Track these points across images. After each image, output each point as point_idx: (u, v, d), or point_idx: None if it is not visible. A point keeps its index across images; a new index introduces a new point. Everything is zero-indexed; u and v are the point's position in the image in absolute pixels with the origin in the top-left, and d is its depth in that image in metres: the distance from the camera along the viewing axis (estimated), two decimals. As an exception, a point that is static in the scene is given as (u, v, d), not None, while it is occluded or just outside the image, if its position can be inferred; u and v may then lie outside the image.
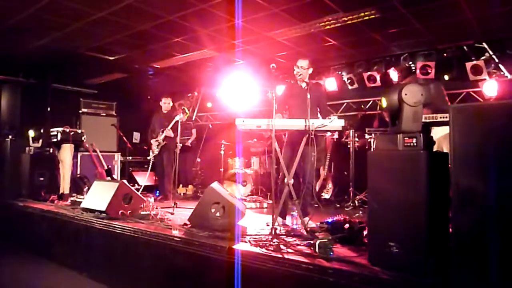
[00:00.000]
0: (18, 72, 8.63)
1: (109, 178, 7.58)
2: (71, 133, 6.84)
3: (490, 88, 6.30)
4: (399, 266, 2.52)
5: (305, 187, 4.24)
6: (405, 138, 2.68)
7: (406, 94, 2.73)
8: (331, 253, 2.93)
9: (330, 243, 3.00)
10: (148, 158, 7.14)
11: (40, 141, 7.12)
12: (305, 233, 3.70)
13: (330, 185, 7.18)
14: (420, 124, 2.76)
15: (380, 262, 2.62)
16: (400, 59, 7.32)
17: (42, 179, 6.74)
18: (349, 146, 7.02)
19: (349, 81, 7.96)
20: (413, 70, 6.95)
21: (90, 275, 4.54)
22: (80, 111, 9.33)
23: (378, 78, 7.45)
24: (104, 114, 9.64)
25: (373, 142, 6.56)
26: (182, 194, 8.38)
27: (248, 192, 7.36)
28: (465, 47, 6.57)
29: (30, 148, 6.99)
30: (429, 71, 6.76)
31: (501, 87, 6.25)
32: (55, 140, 6.82)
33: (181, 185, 8.57)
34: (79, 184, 7.08)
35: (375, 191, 2.77)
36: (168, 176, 6.98)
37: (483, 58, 6.35)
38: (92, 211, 4.86)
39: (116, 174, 8.93)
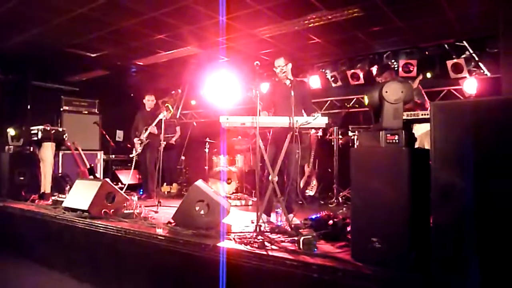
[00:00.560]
0: (-4, 69, 8.45)
1: (91, 176, 7.49)
2: (52, 131, 6.73)
3: (470, 86, 6.42)
4: (381, 261, 2.55)
5: (289, 184, 4.25)
6: (387, 135, 2.71)
7: (386, 92, 2.76)
8: (315, 249, 2.96)
9: (314, 239, 3.02)
10: (131, 156, 7.07)
11: (21, 139, 6.97)
12: (289, 229, 3.72)
13: (314, 182, 7.22)
14: (401, 121, 2.80)
15: (363, 258, 2.65)
16: (383, 57, 7.41)
17: (22, 178, 6.60)
18: (333, 143, 7.07)
19: (332, 79, 8.02)
20: (392, 67, 7.02)
21: (73, 274, 4.48)
22: (62, 109, 9.18)
23: (361, 76, 7.52)
24: (86, 112, 9.50)
25: (357, 139, 6.62)
26: (166, 192, 8.32)
27: (232, 189, 7.35)
28: (446, 46, 6.69)
29: (10, 146, 6.84)
30: (411, 69, 6.86)
31: (481, 85, 6.38)
32: (35, 138, 6.70)
33: (165, 184, 8.50)
34: (61, 183, 6.96)
35: (358, 187, 2.80)
36: (151, 175, 6.92)
37: (463, 56, 6.48)
38: (74, 210, 4.79)
39: (99, 173, 8.83)
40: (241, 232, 3.65)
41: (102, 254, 4.22)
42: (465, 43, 6.48)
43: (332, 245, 3.18)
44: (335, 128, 7.08)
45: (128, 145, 8.31)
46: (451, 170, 2.24)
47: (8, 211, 5.78)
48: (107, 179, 5.16)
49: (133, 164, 7.00)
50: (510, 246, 2.04)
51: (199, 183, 4.04)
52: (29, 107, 8.88)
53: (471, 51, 6.45)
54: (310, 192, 7.16)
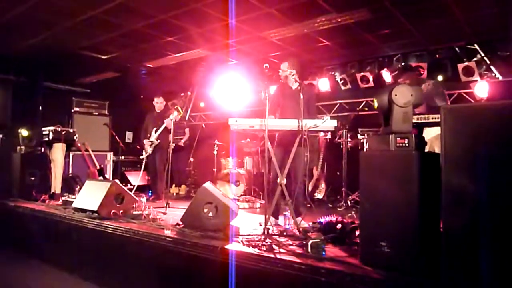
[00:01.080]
0: (8, 71, 8.54)
1: (101, 177, 7.55)
2: (63, 132, 6.80)
3: (481, 89, 6.35)
4: (390, 265, 2.53)
5: (296, 187, 4.25)
6: (397, 138, 2.69)
7: (396, 95, 2.74)
8: (323, 253, 2.94)
9: (323, 243, 3.00)
10: (141, 157, 7.11)
11: (33, 140, 7.05)
12: (297, 233, 3.70)
13: (323, 185, 7.20)
14: (411, 125, 2.78)
15: (372, 262, 2.63)
16: (393, 60, 7.37)
17: (33, 178, 6.66)
18: (342, 146, 7.05)
19: (342, 81, 7.99)
20: (411, 68, 6.95)
21: (81, 275, 4.50)
22: (72, 110, 9.26)
23: (371, 78, 7.49)
24: (96, 113, 9.58)
25: (366, 142, 6.59)
26: (175, 194, 8.36)
27: (241, 192, 7.36)
28: (456, 49, 6.63)
29: (21, 147, 6.92)
30: (422, 72, 6.82)
31: (492, 88, 6.32)
32: (46, 139, 6.77)
33: (174, 185, 8.54)
34: (71, 184, 7.03)
35: (367, 191, 2.78)
36: (160, 176, 6.95)
37: (474, 59, 6.42)
38: (83, 211, 4.83)
39: (108, 174, 8.89)
40: (249, 235, 3.65)
41: (111, 255, 4.24)
42: (476, 46, 6.43)
43: (341, 249, 3.16)
44: (344, 131, 7.06)
45: (138, 147, 8.36)
46: (462, 174, 2.22)
47: (19, 210, 5.84)
48: (117, 180, 5.19)
49: (143, 165, 7.04)
50: (522, 252, 2.01)
51: (208, 185, 4.05)
52: (40, 108, 8.98)
53: (482, 54, 6.39)
54: (319, 195, 7.14)
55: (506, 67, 6.14)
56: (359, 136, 6.84)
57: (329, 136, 7.19)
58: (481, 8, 5.23)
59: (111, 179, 7.90)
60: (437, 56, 6.87)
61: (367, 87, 7.59)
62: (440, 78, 6.75)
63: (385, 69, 7.34)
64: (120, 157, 9.33)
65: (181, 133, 8.91)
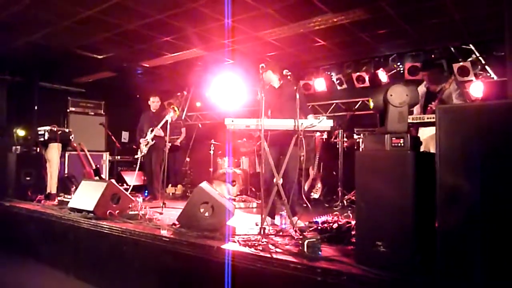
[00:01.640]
0: (4, 70, 8.51)
1: (97, 177, 7.51)
2: (59, 132, 6.78)
3: (476, 89, 6.38)
4: (386, 265, 2.54)
5: (290, 186, 4.26)
6: (393, 138, 2.70)
7: (391, 95, 2.75)
8: (319, 253, 2.95)
9: (318, 242, 3.01)
10: (136, 157, 7.09)
11: (29, 140, 7.03)
12: (293, 232, 3.71)
13: (319, 185, 7.21)
14: (406, 125, 2.79)
15: (367, 261, 2.64)
16: (388, 60, 7.40)
17: (28, 178, 6.64)
18: (338, 146, 7.06)
19: (338, 81, 8.01)
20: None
21: (77, 275, 4.50)
22: (68, 110, 9.24)
23: (367, 78, 7.52)
24: (92, 113, 9.56)
25: (362, 142, 6.61)
26: (171, 194, 8.35)
27: (237, 191, 7.36)
28: (452, 49, 6.66)
29: (17, 147, 6.90)
30: (418, 71, 6.84)
31: (487, 89, 6.34)
32: (42, 139, 6.75)
33: (170, 185, 8.53)
34: (67, 184, 7.00)
35: (363, 191, 2.79)
36: (156, 176, 6.94)
37: (470, 59, 6.45)
38: (79, 211, 4.82)
39: (105, 174, 8.86)
40: (246, 235, 3.66)
41: (107, 255, 4.24)
42: (471, 46, 6.46)
43: (337, 249, 3.16)
44: (340, 131, 7.07)
45: (134, 146, 8.35)
46: (457, 173, 2.23)
47: (14, 211, 5.82)
48: (113, 180, 5.18)
49: (138, 165, 7.03)
50: (516, 251, 2.03)
51: (204, 185, 4.05)
52: (36, 108, 8.94)
53: (478, 54, 6.42)
54: (315, 195, 7.15)
55: (501, 67, 6.16)
56: (355, 136, 6.86)
57: (325, 136, 7.21)
58: (477, 9, 5.26)
59: (107, 179, 7.88)
60: (433, 56, 6.90)
61: (363, 87, 7.61)
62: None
63: (381, 69, 7.36)
64: (116, 157, 9.30)
65: (177, 133, 8.91)
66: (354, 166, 2.81)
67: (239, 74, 8.36)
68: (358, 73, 7.59)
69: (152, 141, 6.89)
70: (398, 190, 2.56)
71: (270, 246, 3.20)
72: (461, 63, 6.45)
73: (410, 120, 4.23)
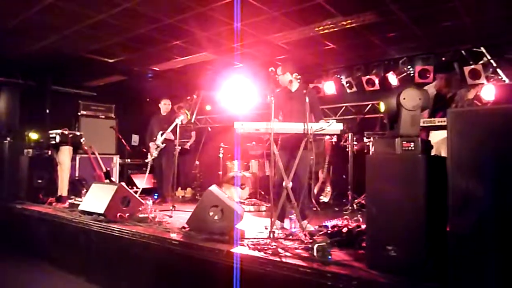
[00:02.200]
0: (17, 74, 8.62)
1: (107, 180, 7.58)
2: (70, 135, 6.84)
3: (488, 92, 6.31)
4: (397, 269, 2.52)
5: (300, 190, 4.25)
6: (403, 142, 2.69)
7: (404, 99, 2.74)
8: (329, 257, 2.93)
9: (328, 246, 2.99)
10: (147, 160, 7.13)
11: (42, 143, 7.10)
12: (303, 236, 3.70)
13: (328, 189, 7.18)
14: (418, 128, 2.77)
15: (378, 266, 2.62)
16: (398, 63, 7.36)
17: (40, 181, 6.71)
18: (347, 149, 7.03)
19: (347, 84, 7.98)
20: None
21: (88, 278, 4.52)
22: (79, 113, 9.33)
23: (376, 82, 7.47)
24: (103, 117, 9.63)
25: (372, 145, 6.57)
26: (180, 197, 8.37)
27: (246, 195, 7.35)
28: (463, 52, 6.61)
29: (29, 150, 6.98)
30: (428, 75, 6.79)
31: (499, 92, 6.27)
32: (53, 142, 6.81)
33: (179, 188, 8.56)
34: (78, 187, 7.06)
35: (373, 194, 2.77)
36: (166, 179, 6.96)
37: (481, 62, 6.38)
38: (90, 213, 4.85)
39: (115, 177, 8.92)
40: (255, 238, 3.65)
41: (117, 258, 4.26)
42: (482, 49, 6.39)
43: (347, 253, 3.14)
44: (350, 134, 7.04)
45: (144, 150, 8.40)
46: (469, 177, 2.21)
47: (25, 213, 5.88)
48: (123, 183, 5.21)
49: (148, 168, 7.07)
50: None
51: (213, 188, 4.06)
52: (47, 111, 9.05)
53: (489, 57, 6.35)
54: (325, 198, 7.12)
55: (513, 70, 6.10)
56: (365, 139, 6.82)
57: (335, 139, 7.18)
58: (488, 12, 5.21)
59: (117, 182, 7.93)
60: (443, 59, 6.84)
61: (373, 90, 7.57)
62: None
63: (391, 72, 7.32)
64: (126, 160, 9.36)
65: (187, 136, 8.95)
66: (364, 170, 2.80)
67: (248, 78, 8.37)
68: (368, 76, 7.56)
69: (163, 144, 6.92)
70: (409, 194, 2.54)
71: (280, 250, 3.19)
72: (472, 66, 6.39)
73: (421, 124, 4.20)
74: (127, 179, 9.14)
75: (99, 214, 4.68)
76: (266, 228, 3.93)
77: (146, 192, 7.30)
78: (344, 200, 6.94)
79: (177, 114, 6.77)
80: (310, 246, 3.08)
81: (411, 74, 7.19)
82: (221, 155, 8.30)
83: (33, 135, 7.01)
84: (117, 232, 4.23)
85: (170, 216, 5.16)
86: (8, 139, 7.21)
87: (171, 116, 7.07)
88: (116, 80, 9.43)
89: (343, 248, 3.28)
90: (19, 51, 7.41)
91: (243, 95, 8.57)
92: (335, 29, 5.92)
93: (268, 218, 3.86)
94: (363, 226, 3.36)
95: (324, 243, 3.00)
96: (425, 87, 5.03)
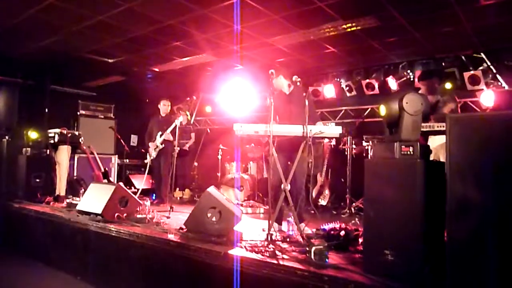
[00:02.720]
0: (16, 73, 8.61)
1: (105, 180, 7.57)
2: (69, 135, 6.84)
3: (487, 98, 6.33)
4: (394, 274, 2.51)
5: (298, 193, 4.25)
6: (402, 146, 2.69)
7: (407, 103, 2.73)
8: (327, 260, 2.93)
9: (326, 250, 2.99)
10: (146, 161, 7.13)
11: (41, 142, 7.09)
12: (301, 239, 3.70)
13: (327, 192, 7.18)
14: (419, 133, 2.78)
15: (375, 270, 2.61)
16: (398, 68, 7.37)
17: (38, 180, 6.70)
18: (346, 153, 7.03)
19: (347, 88, 7.99)
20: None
21: (85, 278, 4.52)
22: (78, 113, 9.32)
23: (376, 86, 7.49)
24: (102, 117, 9.63)
25: (371, 149, 6.58)
26: (178, 198, 8.36)
27: (244, 197, 7.35)
28: (463, 57, 6.62)
29: (27, 149, 6.97)
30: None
31: (498, 98, 6.29)
32: (52, 141, 6.81)
33: (177, 189, 8.54)
34: (76, 186, 7.05)
35: (371, 198, 2.78)
36: (165, 180, 6.96)
37: (481, 68, 6.40)
38: (88, 213, 4.85)
39: (113, 177, 8.91)
40: (252, 240, 3.64)
41: (114, 258, 4.25)
42: (482, 55, 6.41)
43: (344, 257, 3.14)
44: (349, 137, 7.05)
45: (142, 150, 8.39)
46: (468, 183, 2.21)
47: (23, 212, 5.87)
48: (121, 184, 5.21)
49: (147, 169, 7.06)
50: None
51: (212, 189, 4.05)
52: (46, 111, 9.04)
53: (489, 63, 6.37)
54: (323, 201, 7.12)
55: (512, 76, 6.12)
56: (364, 143, 6.83)
57: (333, 142, 7.18)
58: (488, 18, 5.23)
59: (115, 182, 7.92)
60: (443, 64, 6.86)
61: (373, 94, 7.59)
62: (448, 85, 6.71)
63: (391, 76, 7.34)
64: (125, 160, 9.36)
65: (186, 137, 8.94)
66: (363, 174, 2.80)
67: (248, 80, 8.38)
68: (367, 80, 7.57)
69: (162, 145, 6.92)
70: (407, 198, 2.54)
71: (277, 252, 3.18)
72: (472, 72, 6.40)
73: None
74: (125, 179, 9.12)
75: (97, 214, 4.67)
76: (264, 231, 3.92)
77: (144, 192, 7.30)
78: (342, 204, 6.94)
79: (176, 115, 6.77)
80: (307, 249, 3.07)
81: (411, 79, 7.21)
82: (219, 157, 8.30)
83: (33, 134, 6.99)
84: (114, 232, 4.23)
85: (168, 217, 5.15)
86: (7, 138, 7.19)
87: (171, 117, 7.07)
88: (115, 80, 9.42)
89: (340, 251, 3.28)
90: (19, 50, 7.41)
91: (242, 97, 8.57)
92: (336, 33, 5.93)
93: (266, 221, 3.86)
94: (361, 230, 3.36)
95: (322, 246, 3.00)
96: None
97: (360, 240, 3.25)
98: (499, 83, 6.38)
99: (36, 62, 8.20)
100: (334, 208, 6.89)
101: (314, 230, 4.10)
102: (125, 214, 4.68)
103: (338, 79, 8.19)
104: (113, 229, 4.26)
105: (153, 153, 6.97)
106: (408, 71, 7.27)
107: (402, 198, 2.56)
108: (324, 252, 2.96)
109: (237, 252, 3.24)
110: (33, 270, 4.98)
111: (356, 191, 6.57)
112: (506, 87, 6.33)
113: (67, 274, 4.72)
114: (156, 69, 8.49)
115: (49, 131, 6.95)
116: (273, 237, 3.70)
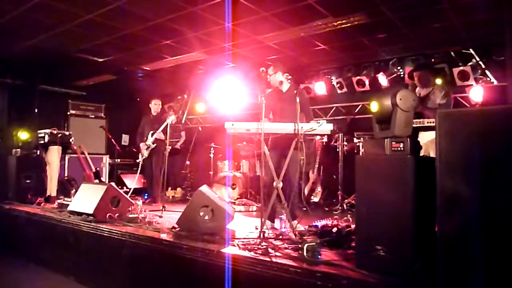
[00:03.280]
0: (5, 73, 8.52)
1: (97, 180, 7.52)
2: (59, 135, 6.78)
3: (476, 93, 6.39)
4: (386, 269, 2.53)
5: (290, 190, 4.26)
6: (392, 142, 2.70)
7: (400, 99, 2.75)
8: (319, 257, 2.95)
9: (318, 246, 3.01)
10: (137, 160, 7.10)
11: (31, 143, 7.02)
12: (293, 236, 3.71)
13: (319, 189, 7.20)
14: (411, 129, 2.80)
15: (367, 266, 2.63)
16: (389, 64, 7.41)
17: (28, 181, 6.64)
18: (338, 150, 7.06)
19: (338, 85, 8.02)
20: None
21: (77, 278, 4.49)
22: (68, 113, 9.26)
23: (367, 82, 7.52)
24: (92, 116, 9.57)
25: (362, 146, 6.61)
26: (171, 197, 8.33)
27: (237, 195, 7.36)
28: (452, 53, 6.67)
29: (17, 150, 6.90)
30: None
31: (487, 93, 6.35)
32: (42, 142, 6.74)
33: (170, 188, 8.52)
34: (67, 187, 7.00)
35: (363, 195, 2.79)
36: (157, 179, 6.94)
37: (470, 64, 6.45)
38: (79, 214, 4.82)
39: (105, 177, 8.86)
40: (245, 238, 3.65)
41: (107, 258, 4.23)
42: (471, 51, 6.47)
43: (336, 253, 3.16)
44: (340, 134, 7.07)
45: (134, 149, 8.35)
46: (457, 178, 2.23)
47: (14, 213, 5.81)
48: (113, 183, 5.18)
49: (139, 168, 7.03)
50: (517, 256, 2.02)
51: (204, 188, 4.05)
52: (36, 111, 8.95)
53: (478, 59, 6.43)
54: (315, 198, 7.14)
55: (501, 71, 6.17)
56: (355, 140, 6.86)
57: (325, 139, 7.21)
58: (477, 13, 5.27)
59: (107, 182, 7.88)
60: (433, 60, 6.91)
61: (363, 90, 7.62)
62: (438, 81, 6.75)
63: (381, 73, 7.37)
64: (116, 160, 9.31)
65: (177, 136, 8.92)
66: (354, 170, 2.82)
67: (239, 78, 8.37)
68: (358, 77, 7.60)
69: (153, 144, 6.90)
70: (398, 194, 2.56)
71: (270, 250, 3.19)
72: (461, 68, 6.46)
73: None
74: (117, 179, 9.08)
75: (88, 215, 4.65)
76: (257, 228, 3.93)
77: (136, 192, 7.27)
78: (334, 200, 6.98)
79: (167, 114, 6.74)
80: (300, 246, 3.09)
81: (401, 75, 7.25)
82: (211, 155, 8.28)
83: (23, 135, 6.91)
84: (106, 232, 4.21)
85: (160, 217, 5.14)
86: (-4, 138, 7.12)
87: (162, 116, 7.04)
88: (106, 80, 9.35)
89: (333, 248, 3.30)
90: (7, 50, 7.32)
91: (234, 95, 8.56)
92: (326, 30, 5.95)
93: (259, 218, 3.87)
94: (353, 226, 3.38)
95: (314, 243, 3.02)
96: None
97: (352, 236, 3.27)
98: (488, 79, 6.44)
99: (25, 62, 8.10)
100: (326, 205, 6.92)
101: (306, 227, 4.13)
102: (117, 214, 4.65)
103: (329, 76, 8.22)
104: (105, 229, 4.24)
105: (144, 153, 6.94)
106: (398, 67, 7.31)
107: (393, 194, 2.57)
108: (316, 249, 2.97)
109: (230, 250, 3.24)
110: (25, 271, 4.94)
111: (348, 188, 6.60)
112: (495, 83, 6.39)
113: (58, 274, 4.69)
114: (147, 68, 8.45)
115: (39, 131, 6.88)
116: (266, 235, 3.71)
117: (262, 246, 3.30)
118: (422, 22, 5.66)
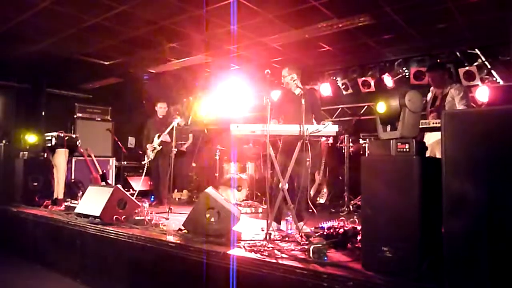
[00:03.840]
0: (12, 77, 8.60)
1: (103, 183, 7.56)
2: (66, 138, 6.81)
3: (482, 94, 6.35)
4: (392, 270, 2.53)
5: (299, 192, 4.25)
6: (398, 143, 2.70)
7: (409, 100, 2.74)
8: (325, 258, 2.94)
9: (324, 248, 3.01)
10: (143, 163, 7.12)
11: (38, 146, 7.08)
12: (299, 238, 3.70)
13: (325, 190, 7.19)
14: (418, 130, 2.80)
15: (374, 267, 2.63)
16: (394, 65, 7.39)
17: (36, 184, 6.68)
18: (343, 151, 7.05)
19: (343, 86, 8.01)
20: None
21: (84, 281, 4.51)
22: (75, 116, 9.30)
23: (372, 83, 7.51)
24: (99, 119, 9.61)
25: (367, 147, 6.59)
26: (177, 199, 8.36)
27: (243, 197, 7.36)
28: (458, 53, 6.64)
29: (24, 153, 6.95)
30: (423, 76, 6.83)
31: (493, 93, 6.31)
32: (49, 144, 6.79)
33: (176, 190, 8.55)
34: (74, 189, 7.05)
35: (368, 196, 2.78)
36: (163, 181, 6.96)
37: (475, 64, 6.42)
38: (86, 216, 4.84)
39: (111, 179, 8.90)
40: (251, 240, 3.65)
41: (113, 261, 4.25)
42: (477, 51, 6.44)
43: (343, 254, 3.16)
44: (346, 135, 7.06)
45: (140, 152, 8.38)
46: (463, 179, 2.22)
47: (21, 216, 5.85)
48: (119, 186, 5.20)
49: (145, 170, 7.06)
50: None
51: (210, 190, 4.06)
52: (43, 114, 9.02)
53: (483, 59, 6.40)
54: (321, 200, 7.13)
55: (507, 71, 6.14)
56: (361, 141, 6.84)
57: (331, 140, 7.20)
58: (482, 13, 5.25)
59: (113, 184, 7.91)
60: (438, 60, 6.88)
61: (369, 91, 7.61)
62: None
63: (387, 73, 7.36)
64: (123, 163, 9.34)
65: (184, 138, 8.94)
66: (360, 171, 2.81)
67: (245, 80, 8.38)
68: (363, 78, 7.59)
69: (159, 146, 6.92)
70: (404, 195, 2.55)
71: (276, 251, 3.19)
72: (467, 68, 6.43)
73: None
74: (123, 181, 9.11)
75: (95, 217, 4.67)
76: (263, 230, 3.93)
77: (142, 194, 7.30)
78: (340, 202, 6.96)
79: (173, 117, 6.76)
80: (306, 247, 3.09)
81: (407, 76, 7.23)
82: (217, 157, 8.30)
83: (30, 138, 6.97)
84: (113, 234, 4.22)
85: (167, 219, 5.16)
86: (4, 141, 7.17)
87: (168, 118, 7.07)
88: (112, 83, 9.41)
89: (339, 249, 3.29)
90: (14, 54, 7.39)
91: (239, 97, 8.58)
92: (331, 31, 5.94)
93: (265, 220, 3.87)
94: (359, 228, 3.37)
95: (320, 245, 3.02)
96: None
97: (359, 237, 3.26)
98: (494, 79, 6.40)
99: (32, 66, 8.17)
100: (332, 206, 6.90)
101: (312, 228, 4.12)
102: (123, 216, 4.67)
103: (334, 77, 8.21)
104: (111, 231, 4.26)
105: (151, 155, 6.97)
106: (404, 68, 7.28)
107: (399, 195, 2.57)
108: (323, 250, 2.97)
109: (236, 252, 3.24)
110: (32, 273, 4.97)
111: (354, 189, 6.58)
112: (501, 82, 6.35)
113: (65, 276, 4.72)
114: (153, 71, 8.49)
115: (46, 134, 6.93)
116: (272, 236, 3.71)
117: (268, 247, 3.30)
118: (427, 23, 5.64)
